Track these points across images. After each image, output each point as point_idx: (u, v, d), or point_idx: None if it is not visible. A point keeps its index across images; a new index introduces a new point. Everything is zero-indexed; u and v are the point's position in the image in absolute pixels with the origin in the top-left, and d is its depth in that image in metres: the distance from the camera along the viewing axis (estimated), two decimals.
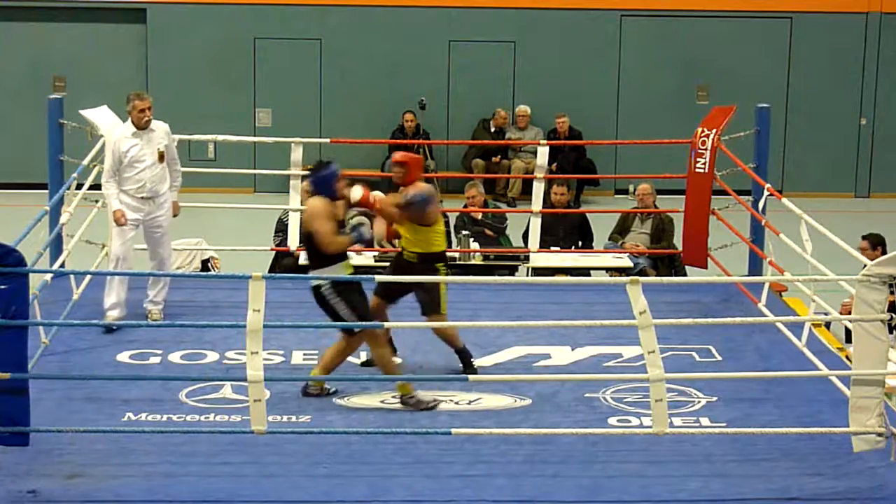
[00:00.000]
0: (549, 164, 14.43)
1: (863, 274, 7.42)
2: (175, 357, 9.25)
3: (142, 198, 9.87)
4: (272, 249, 12.08)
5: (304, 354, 9.39)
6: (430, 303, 8.73)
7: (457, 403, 8.42)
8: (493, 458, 7.55)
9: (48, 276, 9.79)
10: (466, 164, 18.61)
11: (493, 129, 18.64)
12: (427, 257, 8.74)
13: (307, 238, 8.42)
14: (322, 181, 8.39)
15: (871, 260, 9.46)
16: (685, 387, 8.62)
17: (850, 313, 7.82)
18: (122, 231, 9.84)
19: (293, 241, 11.61)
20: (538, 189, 11.87)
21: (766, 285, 10.41)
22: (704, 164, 11.25)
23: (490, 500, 7.10)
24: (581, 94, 19.17)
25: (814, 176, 19.25)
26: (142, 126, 9.85)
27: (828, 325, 10.49)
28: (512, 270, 11.77)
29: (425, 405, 8.29)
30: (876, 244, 10.68)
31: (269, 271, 11.92)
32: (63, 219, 10.39)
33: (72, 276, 10.19)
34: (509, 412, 8.32)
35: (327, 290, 8.28)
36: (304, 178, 8.79)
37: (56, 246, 10.72)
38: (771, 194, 10.78)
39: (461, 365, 8.91)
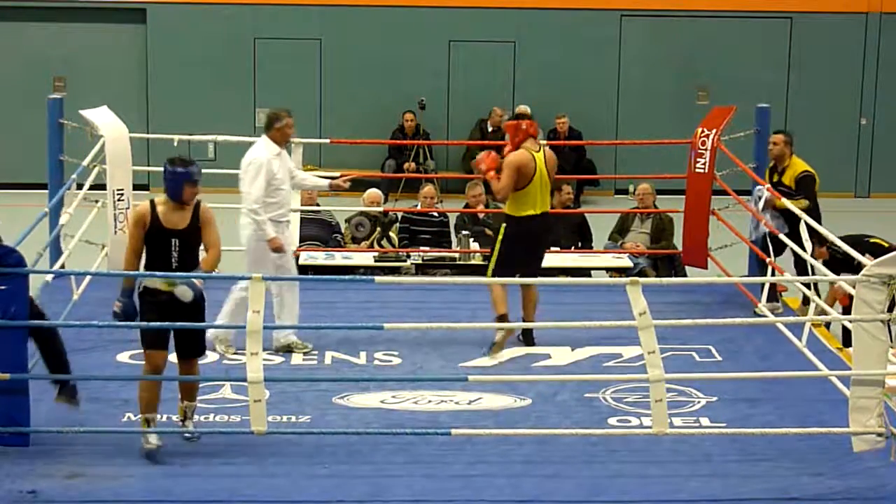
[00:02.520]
0: None
1: (863, 274, 7.42)
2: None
3: (281, 222, 9.21)
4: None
5: (304, 355, 9.38)
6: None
7: (457, 403, 8.42)
8: (492, 458, 7.56)
9: (48, 277, 9.77)
10: (466, 164, 18.60)
11: (490, 129, 18.63)
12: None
13: None
14: (171, 176, 7.65)
15: (782, 153, 10.76)
16: (685, 387, 8.62)
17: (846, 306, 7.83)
18: (272, 260, 9.06)
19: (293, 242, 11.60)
20: None
21: (766, 285, 10.41)
22: (704, 164, 11.25)
23: (490, 500, 7.10)
24: (581, 95, 19.15)
25: None
26: (283, 144, 9.33)
27: (828, 325, 10.48)
28: None
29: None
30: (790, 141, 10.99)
31: None
32: (63, 219, 10.38)
33: (72, 277, 10.19)
34: (509, 412, 8.32)
35: (139, 294, 7.66)
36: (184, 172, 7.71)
37: (56, 246, 10.72)
38: (771, 194, 10.77)
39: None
